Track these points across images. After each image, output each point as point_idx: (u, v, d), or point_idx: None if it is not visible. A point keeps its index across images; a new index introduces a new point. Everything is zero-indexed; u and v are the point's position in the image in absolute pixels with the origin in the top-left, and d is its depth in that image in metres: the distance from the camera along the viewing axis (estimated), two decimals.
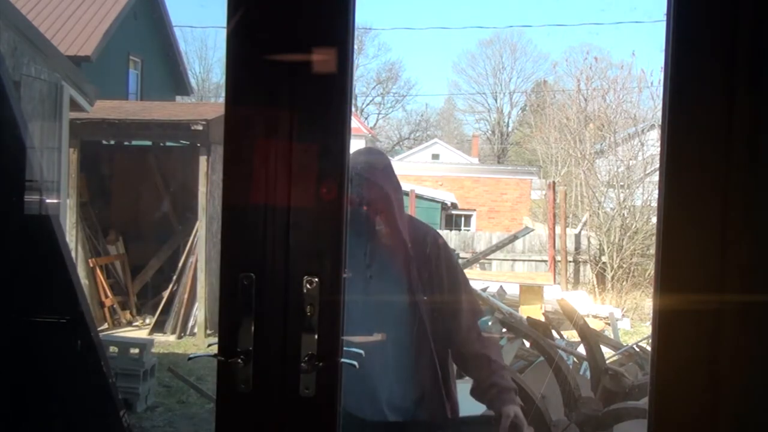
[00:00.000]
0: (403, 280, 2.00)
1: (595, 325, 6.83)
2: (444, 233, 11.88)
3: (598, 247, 10.55)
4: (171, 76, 15.03)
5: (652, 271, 1.44)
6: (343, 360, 1.28)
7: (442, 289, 2.05)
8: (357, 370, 1.78)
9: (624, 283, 10.02)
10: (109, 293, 7.94)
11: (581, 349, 4.67)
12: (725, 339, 1.17)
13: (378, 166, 2.09)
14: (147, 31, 14.07)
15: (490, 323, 5.58)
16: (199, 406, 5.47)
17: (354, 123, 1.42)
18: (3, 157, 2.16)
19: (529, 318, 5.43)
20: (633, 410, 3.39)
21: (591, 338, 4.25)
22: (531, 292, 7.20)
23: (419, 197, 12.61)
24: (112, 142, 8.72)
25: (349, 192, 1.81)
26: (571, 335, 5.68)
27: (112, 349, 5.28)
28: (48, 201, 2.24)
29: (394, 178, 2.09)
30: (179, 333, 7.63)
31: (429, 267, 2.03)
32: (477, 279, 7.87)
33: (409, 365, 2.00)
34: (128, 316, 8.19)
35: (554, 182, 10.91)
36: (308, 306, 1.25)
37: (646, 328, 8.17)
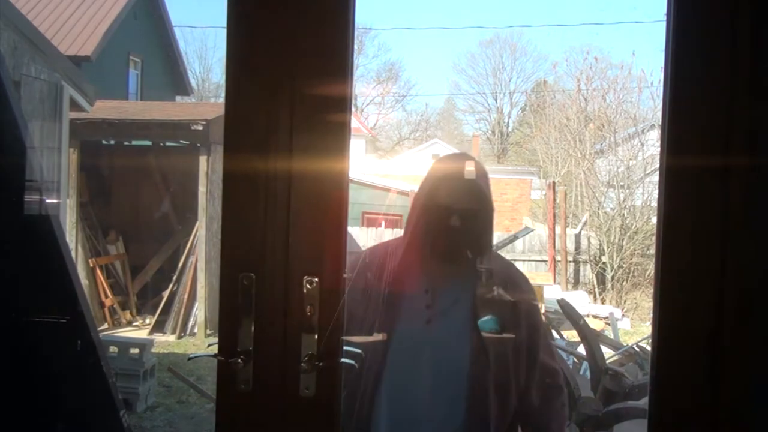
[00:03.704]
0: (474, 333, 1.64)
1: (595, 325, 6.83)
2: None
3: (598, 247, 10.55)
4: (171, 76, 15.04)
5: (652, 271, 1.43)
6: (342, 360, 1.28)
7: (519, 349, 1.67)
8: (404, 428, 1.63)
9: (624, 283, 10.02)
10: (109, 293, 7.94)
11: (581, 349, 4.67)
12: (725, 339, 1.17)
13: (478, 166, 1.72)
14: (147, 31, 14.07)
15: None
16: (199, 406, 5.47)
17: (354, 123, 1.41)
18: (3, 157, 2.15)
19: None
20: (633, 410, 3.39)
21: (591, 338, 4.26)
22: None
23: None
24: (112, 142, 8.72)
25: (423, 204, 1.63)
26: (571, 335, 5.68)
27: (112, 349, 5.29)
28: (48, 201, 2.24)
29: (490, 189, 1.72)
30: (179, 333, 7.63)
31: (512, 323, 1.67)
32: None
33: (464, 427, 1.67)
34: (128, 316, 8.19)
35: (554, 182, 10.91)
36: (308, 306, 1.25)
37: (646, 328, 8.18)
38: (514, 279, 1.77)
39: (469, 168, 1.69)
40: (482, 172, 1.71)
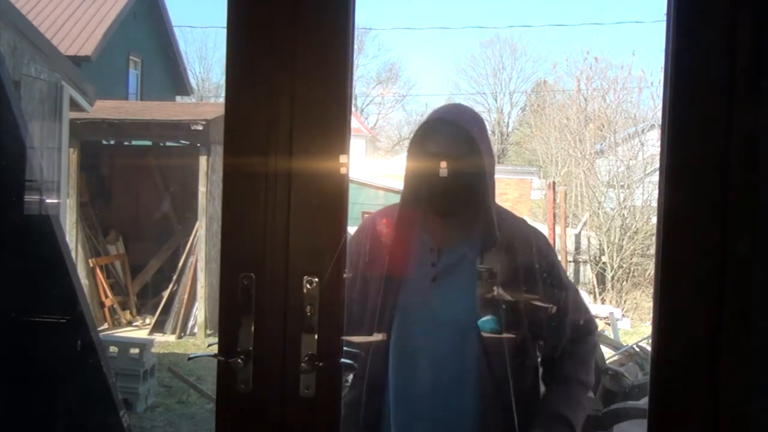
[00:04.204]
0: (483, 290, 1.57)
1: None
2: None
3: (598, 247, 10.54)
4: (171, 76, 15.03)
5: (652, 271, 1.43)
6: (342, 360, 1.28)
7: (538, 309, 1.59)
8: (407, 406, 1.58)
9: (624, 283, 10.02)
10: (109, 293, 7.95)
11: None
12: (725, 339, 1.16)
13: (469, 113, 1.64)
14: (147, 31, 14.07)
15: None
16: (199, 406, 5.47)
17: (354, 123, 1.41)
18: (3, 157, 2.16)
19: None
20: (633, 410, 3.39)
21: None
22: None
23: None
24: (112, 142, 8.73)
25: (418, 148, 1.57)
26: None
27: (112, 349, 5.29)
28: (48, 201, 2.24)
29: (488, 139, 1.60)
30: (179, 333, 7.63)
31: (526, 280, 1.58)
32: None
33: (474, 400, 1.59)
34: (128, 316, 8.19)
35: (554, 182, 10.90)
36: (308, 306, 1.25)
37: (646, 328, 8.17)
38: (525, 235, 1.65)
39: (446, 110, 1.65)
40: (474, 119, 1.62)
